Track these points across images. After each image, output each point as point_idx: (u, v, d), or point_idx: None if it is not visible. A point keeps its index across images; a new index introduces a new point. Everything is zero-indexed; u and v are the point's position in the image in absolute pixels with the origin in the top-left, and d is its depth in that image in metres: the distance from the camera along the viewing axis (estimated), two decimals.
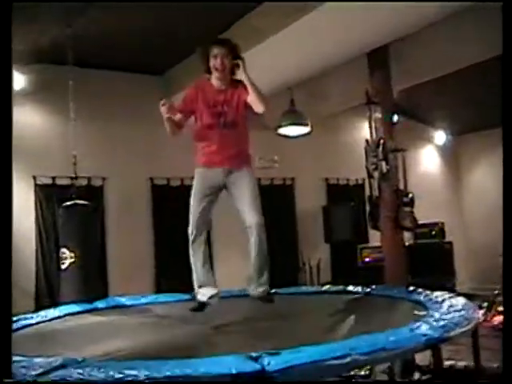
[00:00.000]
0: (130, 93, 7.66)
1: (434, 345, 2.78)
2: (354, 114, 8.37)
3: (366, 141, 5.63)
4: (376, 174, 5.50)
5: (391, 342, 2.45)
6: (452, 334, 2.77)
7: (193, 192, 3.58)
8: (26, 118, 7.16)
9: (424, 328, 2.72)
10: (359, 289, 4.79)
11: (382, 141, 5.46)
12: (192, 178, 3.66)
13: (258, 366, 2.19)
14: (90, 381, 2.21)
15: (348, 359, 2.27)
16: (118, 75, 7.62)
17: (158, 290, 7.44)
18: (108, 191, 7.49)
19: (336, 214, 8.79)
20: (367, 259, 8.43)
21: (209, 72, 3.52)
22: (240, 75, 3.45)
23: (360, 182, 9.14)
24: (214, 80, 3.51)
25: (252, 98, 3.40)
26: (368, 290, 4.74)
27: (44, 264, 6.78)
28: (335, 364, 2.25)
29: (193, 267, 3.59)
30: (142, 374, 2.16)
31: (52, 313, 4.50)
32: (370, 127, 5.63)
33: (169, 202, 7.58)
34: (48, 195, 6.86)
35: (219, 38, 3.62)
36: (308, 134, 7.48)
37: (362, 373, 4.66)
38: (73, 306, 4.80)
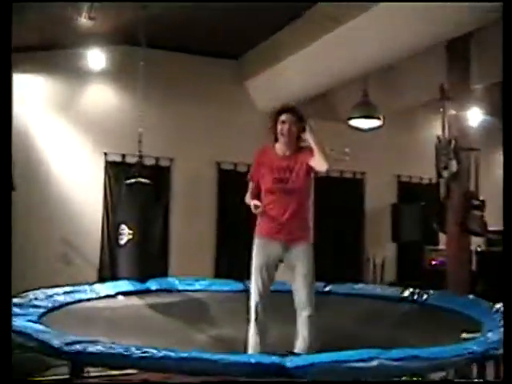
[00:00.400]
0: (202, 76, 7.70)
1: (479, 360, 2.58)
2: (432, 111, 7.98)
3: (438, 138, 5.34)
4: (445, 174, 5.20)
5: (427, 353, 2.29)
6: (500, 351, 2.56)
7: (253, 264, 3.51)
8: (102, 96, 7.41)
9: (470, 343, 2.54)
10: (415, 295, 4.57)
11: (454, 139, 5.16)
12: None
13: (277, 361, 2.11)
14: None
15: (375, 363, 2.14)
16: (191, 58, 7.68)
17: (217, 272, 7.49)
18: (175, 172, 7.58)
19: (406, 213, 8.48)
20: (434, 262, 8.08)
21: (275, 138, 3.56)
22: (306, 136, 3.43)
23: (434, 181, 8.75)
24: (280, 145, 3.55)
25: (316, 158, 3.39)
26: (425, 296, 4.51)
27: (109, 238, 6.97)
28: (359, 367, 2.12)
29: (249, 340, 3.39)
30: (158, 352, 2.14)
31: (102, 289, 4.59)
32: (443, 124, 5.32)
33: (234, 188, 7.52)
34: (117, 172, 7.02)
35: (288, 105, 3.58)
36: (380, 127, 7.21)
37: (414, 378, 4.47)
38: (125, 284, 4.90)
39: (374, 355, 2.17)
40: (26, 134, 6.84)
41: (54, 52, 6.86)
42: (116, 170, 7.09)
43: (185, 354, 2.11)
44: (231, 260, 7.42)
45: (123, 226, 5.32)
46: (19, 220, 6.15)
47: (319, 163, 3.37)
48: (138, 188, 5.38)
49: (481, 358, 2.52)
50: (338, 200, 8.45)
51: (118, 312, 4.08)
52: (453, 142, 5.18)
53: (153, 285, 4.99)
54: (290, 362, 2.10)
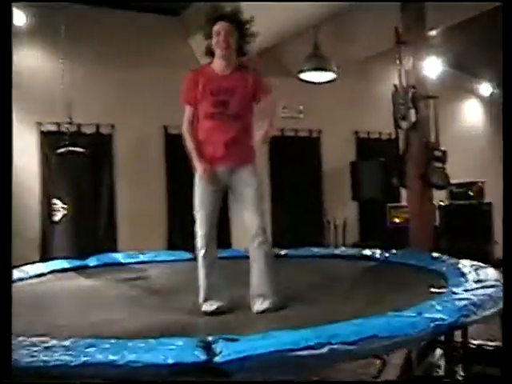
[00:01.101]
0: (142, 34, 7.11)
1: (445, 332, 2.23)
2: (389, 61, 7.56)
3: (395, 86, 4.95)
4: (404, 125, 4.83)
5: (387, 329, 1.91)
6: (472, 318, 2.21)
7: (196, 197, 3.13)
8: (30, 60, 6.73)
9: (435, 310, 2.17)
10: (377, 254, 4.27)
11: (411, 86, 4.77)
12: None
13: (202, 357, 1.69)
14: None
15: (325, 349, 1.75)
16: (129, 14, 7.06)
17: (170, 245, 7.06)
18: (118, 139, 7.00)
19: (365, 170, 8.14)
20: (397, 220, 7.81)
21: (211, 54, 3.10)
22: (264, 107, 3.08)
23: (394, 136, 8.44)
24: (218, 62, 3.07)
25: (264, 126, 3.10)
26: (386, 255, 4.21)
27: (48, 215, 6.42)
28: (305, 355, 1.73)
29: (199, 277, 3.11)
30: (53, 357, 1.71)
31: (33, 269, 4.14)
32: (400, 71, 4.92)
33: (183, 153, 7.04)
34: (53, 143, 6.39)
35: (222, 11, 3.05)
36: (333, 80, 6.78)
37: None
38: (61, 263, 4.45)
39: (324, 340, 1.77)
40: None
41: None
42: (51, 141, 6.47)
43: (86, 358, 1.68)
44: (184, 231, 6.96)
45: (56, 201, 4.81)
46: None
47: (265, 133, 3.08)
48: (70, 158, 4.86)
49: (448, 328, 2.15)
50: (293, 161, 8.05)
51: (43, 291, 3.63)
52: (411, 90, 4.79)
53: (92, 261, 4.55)
54: (219, 357, 1.69)
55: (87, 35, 6.69)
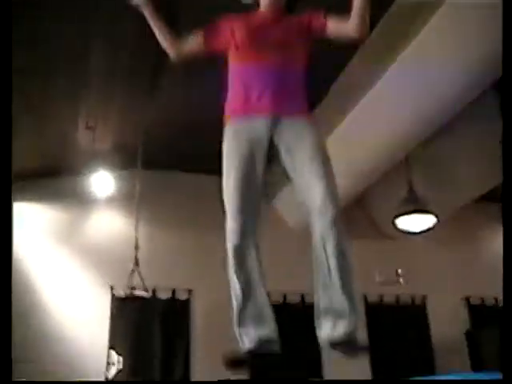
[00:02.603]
0: (218, 196, 6.86)
1: None
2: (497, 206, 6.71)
3: None
4: None
5: None
6: None
7: (224, 165, 2.30)
8: (109, 224, 6.62)
9: None
10: None
11: None
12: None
13: None
14: None
15: None
16: (208, 178, 6.90)
17: None
18: (195, 305, 6.36)
19: (484, 340, 6.84)
20: None
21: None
22: None
23: None
24: (263, 8, 2.44)
25: (356, 21, 2.20)
26: None
27: None
28: None
29: (232, 292, 2.21)
30: None
31: None
32: None
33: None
34: (125, 307, 5.86)
35: None
36: (434, 227, 5.95)
37: None
38: None
39: None
40: (24, 263, 5.98)
41: (54, 179, 6.25)
42: (124, 306, 5.94)
43: None
44: None
45: (111, 352, 4.07)
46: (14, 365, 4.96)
47: (356, 27, 2.19)
48: (130, 303, 4.23)
49: None
50: (396, 333, 6.90)
51: None
52: None
53: None
54: None
55: (164, 199, 6.60)
